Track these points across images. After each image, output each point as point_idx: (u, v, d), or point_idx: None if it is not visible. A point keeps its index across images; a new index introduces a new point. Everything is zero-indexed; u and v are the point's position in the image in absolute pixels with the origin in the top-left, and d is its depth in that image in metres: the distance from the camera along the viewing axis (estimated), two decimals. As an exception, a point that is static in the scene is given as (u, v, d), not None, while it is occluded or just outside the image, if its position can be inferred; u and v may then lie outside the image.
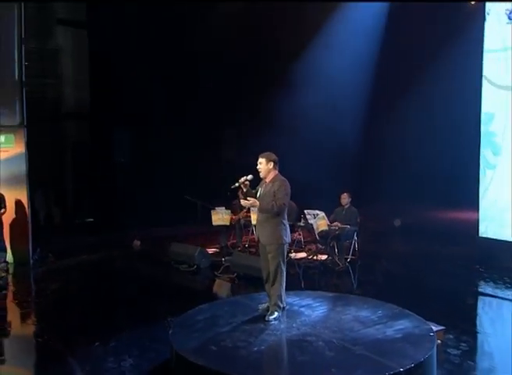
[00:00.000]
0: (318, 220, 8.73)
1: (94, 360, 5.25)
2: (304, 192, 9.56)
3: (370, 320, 5.00)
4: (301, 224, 9.27)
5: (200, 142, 13.49)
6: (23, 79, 9.40)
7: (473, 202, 9.68)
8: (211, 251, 10.08)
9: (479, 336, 6.00)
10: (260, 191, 5.29)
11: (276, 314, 5.09)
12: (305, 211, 8.96)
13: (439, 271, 8.60)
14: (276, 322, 5.01)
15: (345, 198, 9.23)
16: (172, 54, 13.02)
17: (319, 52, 13.13)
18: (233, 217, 10.13)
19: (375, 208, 13.31)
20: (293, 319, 5.09)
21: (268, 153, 5.31)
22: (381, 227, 12.37)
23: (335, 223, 8.92)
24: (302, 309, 5.37)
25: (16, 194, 9.23)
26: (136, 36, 12.71)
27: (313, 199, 10.52)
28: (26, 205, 9.31)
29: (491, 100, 9.17)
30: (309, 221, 8.86)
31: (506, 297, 7.41)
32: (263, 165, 5.24)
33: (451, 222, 12.59)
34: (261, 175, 5.31)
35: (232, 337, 4.61)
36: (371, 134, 14.66)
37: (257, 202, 5.13)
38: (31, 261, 9.30)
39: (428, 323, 5.21)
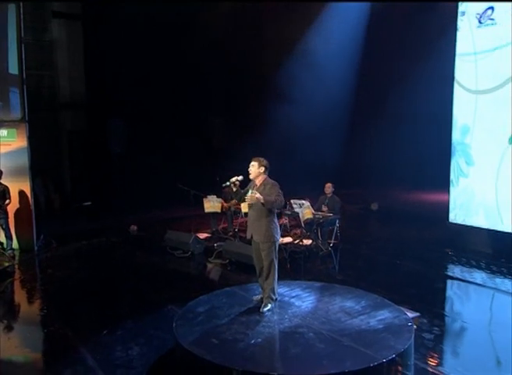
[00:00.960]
0: (304, 209, 8.90)
1: (104, 349, 5.39)
2: (289, 180, 9.77)
3: (355, 311, 5.21)
4: (288, 213, 9.46)
5: (193, 132, 13.51)
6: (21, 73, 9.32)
7: (444, 188, 9.95)
8: (203, 235, 10.25)
9: (450, 319, 6.31)
10: (251, 191, 5.36)
11: (270, 306, 5.29)
12: (291, 200, 9.12)
13: (413, 255, 8.89)
14: (270, 313, 5.22)
15: (329, 188, 9.42)
16: (166, 45, 12.90)
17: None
18: (224, 204, 10.27)
19: (354, 192, 13.56)
20: (285, 310, 5.29)
21: (261, 158, 5.42)
22: (360, 211, 12.64)
23: (322, 209, 9.13)
24: (292, 300, 5.56)
25: (19, 185, 9.26)
26: (131, 28, 12.52)
27: (298, 187, 10.74)
28: (29, 196, 9.36)
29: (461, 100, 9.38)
30: (295, 210, 9.05)
31: (473, 280, 7.74)
32: (254, 167, 5.35)
33: (424, 206, 12.82)
34: (251, 176, 5.42)
35: (231, 330, 4.79)
36: (356, 126, 14.84)
37: (261, 197, 5.12)
38: (36, 248, 9.39)
39: (404, 310, 5.50)
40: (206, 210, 10.21)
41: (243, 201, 5.47)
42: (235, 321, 5.03)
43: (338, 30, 12.94)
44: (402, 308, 5.45)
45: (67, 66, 13.39)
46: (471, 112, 9.10)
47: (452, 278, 7.95)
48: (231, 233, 10.25)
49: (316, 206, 9.27)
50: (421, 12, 12.34)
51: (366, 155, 15.31)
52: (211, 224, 10.56)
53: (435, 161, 12.10)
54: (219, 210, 10.18)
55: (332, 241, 9.21)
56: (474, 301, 7.35)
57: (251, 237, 5.48)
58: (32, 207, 9.42)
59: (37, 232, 9.52)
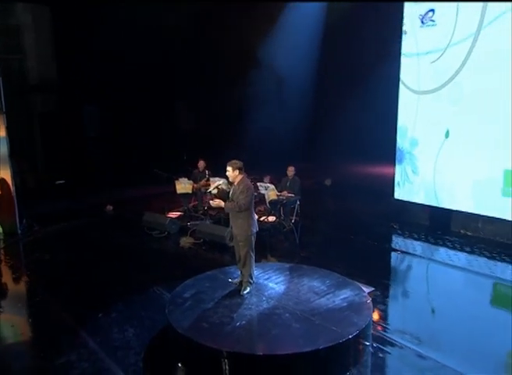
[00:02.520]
0: (269, 191, 9.23)
1: (101, 331, 5.58)
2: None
3: (321, 290, 5.64)
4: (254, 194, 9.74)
5: (162, 114, 13.46)
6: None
7: (391, 162, 10.37)
8: (176, 214, 10.45)
9: (397, 290, 6.93)
10: (231, 191, 5.67)
11: (248, 289, 5.63)
12: (258, 183, 9.41)
13: (365, 230, 9.38)
14: (249, 295, 5.57)
15: (291, 171, 9.76)
16: (137, 29, 12.54)
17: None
18: (195, 185, 10.44)
19: (310, 168, 13.94)
20: (262, 292, 5.63)
21: (234, 162, 5.62)
22: (315, 186, 13.06)
23: (283, 193, 9.48)
24: (266, 282, 5.90)
25: (1, 174, 9.08)
26: (100, 13, 12.11)
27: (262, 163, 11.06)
28: (10, 183, 9.21)
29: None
30: (261, 192, 9.36)
31: (414, 252, 8.36)
32: (230, 172, 5.60)
33: (373, 181, 13.10)
34: (230, 180, 5.68)
35: (217, 314, 5.10)
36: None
37: (223, 203, 5.53)
38: (19, 231, 9.30)
39: (362, 286, 6.01)
40: (178, 191, 10.35)
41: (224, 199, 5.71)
42: (219, 305, 5.35)
43: (297, 34, 13.13)
44: (360, 285, 5.96)
45: (36, 50, 12.80)
46: (413, 111, 9.56)
47: (397, 250, 8.57)
48: (201, 212, 10.49)
49: (279, 187, 9.60)
50: (372, 13, 12.55)
51: (320, 130, 15.62)
52: (182, 203, 10.74)
53: (381, 137, 12.25)
54: (190, 191, 10.35)
55: (294, 218, 9.62)
56: (415, 271, 8.00)
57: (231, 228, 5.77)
58: (14, 193, 9.28)
59: (19, 216, 9.40)
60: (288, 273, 6.26)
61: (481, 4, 8.17)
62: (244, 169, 5.71)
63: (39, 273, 7.56)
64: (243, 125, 13.81)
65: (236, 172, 5.60)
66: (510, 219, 8.24)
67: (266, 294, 5.61)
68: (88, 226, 10.09)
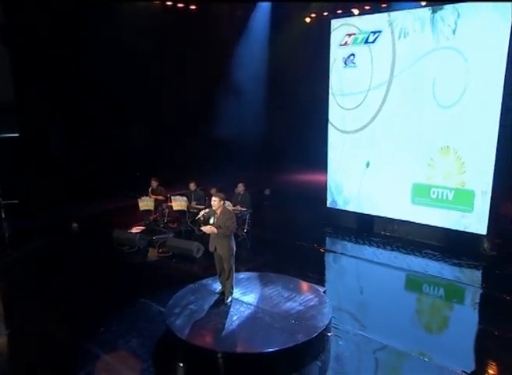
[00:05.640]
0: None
1: (108, 344, 5.99)
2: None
3: (288, 294, 6.55)
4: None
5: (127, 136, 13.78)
6: None
7: (324, 175, 11.34)
8: (139, 229, 10.84)
9: (336, 286, 8.04)
10: (213, 218, 6.40)
11: (231, 298, 6.43)
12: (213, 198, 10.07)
13: (306, 235, 10.31)
14: (232, 303, 6.34)
15: (240, 187, 10.58)
16: (98, 46, 12.61)
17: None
18: (158, 199, 10.87)
19: (250, 178, 14.73)
20: (241, 299, 6.39)
21: (220, 194, 6.40)
22: (256, 195, 13.89)
23: (237, 207, 10.28)
24: (243, 291, 6.68)
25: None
26: (56, 31, 12.06)
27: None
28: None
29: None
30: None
31: (347, 253, 9.59)
32: (216, 202, 6.34)
33: (308, 189, 13.87)
34: (214, 208, 6.40)
35: (211, 321, 5.84)
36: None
37: (215, 230, 6.25)
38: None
39: (318, 287, 7.03)
40: (141, 208, 10.75)
41: (206, 224, 6.43)
42: (210, 313, 6.06)
43: (250, 61, 14.03)
44: (317, 287, 6.99)
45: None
46: (340, 147, 10.82)
47: (335, 252, 9.74)
48: (162, 225, 10.99)
49: (233, 202, 10.39)
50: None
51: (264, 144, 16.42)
52: (144, 219, 11.14)
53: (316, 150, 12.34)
54: (152, 208, 10.81)
55: (246, 228, 10.45)
56: (349, 268, 9.19)
57: (215, 250, 6.49)
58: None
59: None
60: (258, 281, 7.11)
61: (390, 56, 9.56)
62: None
63: (20, 296, 7.48)
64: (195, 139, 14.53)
65: (221, 203, 6.37)
66: (417, 221, 9.80)
67: (245, 301, 6.43)
68: (57, 244, 10.00)
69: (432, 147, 9.34)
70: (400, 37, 9.44)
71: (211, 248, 6.50)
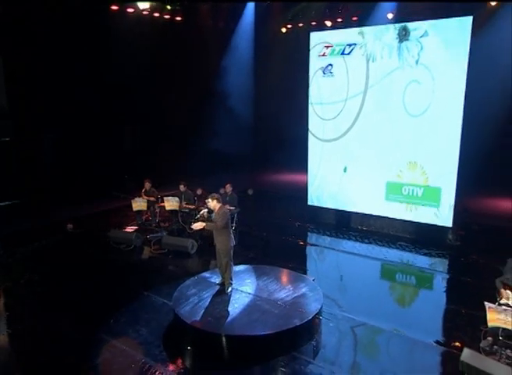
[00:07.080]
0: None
1: (120, 333, 6.35)
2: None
3: (283, 283, 7.13)
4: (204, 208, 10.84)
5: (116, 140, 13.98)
6: None
7: (305, 175, 11.89)
8: (131, 229, 11.13)
9: (323, 274, 8.63)
10: (213, 215, 6.91)
11: (230, 288, 6.91)
12: (205, 200, 10.51)
13: (290, 231, 10.91)
14: (233, 292, 6.83)
15: (228, 188, 11.03)
16: (93, 54, 12.80)
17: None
18: (150, 200, 11.18)
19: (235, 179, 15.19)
20: (240, 289, 6.92)
21: (213, 195, 6.88)
22: (239, 195, 14.35)
23: (226, 206, 10.70)
24: (241, 281, 7.20)
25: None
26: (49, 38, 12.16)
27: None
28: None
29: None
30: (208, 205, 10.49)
31: (328, 246, 10.22)
32: (211, 203, 6.84)
33: (290, 188, 14.45)
34: (211, 208, 6.91)
35: (216, 309, 6.31)
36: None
37: (203, 224, 6.75)
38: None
39: (308, 277, 7.59)
40: (134, 209, 11.00)
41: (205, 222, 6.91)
42: (214, 302, 6.54)
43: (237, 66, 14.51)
44: (307, 277, 7.56)
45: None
46: (319, 153, 11.42)
47: (317, 246, 10.37)
48: (154, 225, 11.32)
49: (222, 202, 10.81)
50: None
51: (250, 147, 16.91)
52: (136, 219, 11.45)
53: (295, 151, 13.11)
54: (145, 208, 11.12)
55: (234, 225, 10.91)
56: (330, 259, 9.78)
57: (215, 244, 6.97)
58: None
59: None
60: (254, 272, 7.62)
61: (365, 68, 10.22)
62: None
63: (28, 296, 7.65)
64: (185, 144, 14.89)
65: (215, 202, 6.84)
66: (391, 216, 10.53)
67: (244, 290, 6.93)
68: (55, 245, 10.15)
69: (401, 161, 10.08)
70: (369, 60, 10.14)
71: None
